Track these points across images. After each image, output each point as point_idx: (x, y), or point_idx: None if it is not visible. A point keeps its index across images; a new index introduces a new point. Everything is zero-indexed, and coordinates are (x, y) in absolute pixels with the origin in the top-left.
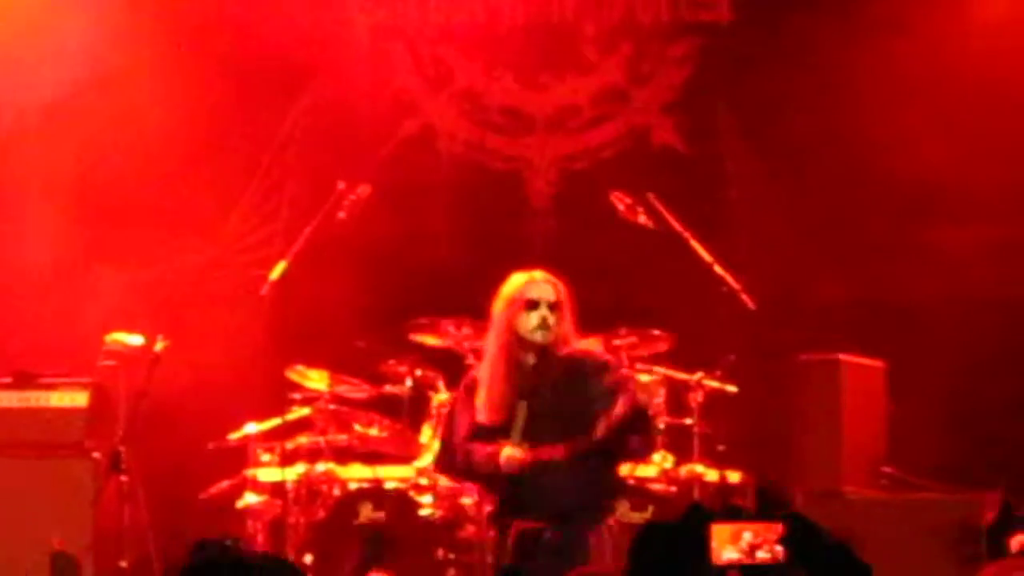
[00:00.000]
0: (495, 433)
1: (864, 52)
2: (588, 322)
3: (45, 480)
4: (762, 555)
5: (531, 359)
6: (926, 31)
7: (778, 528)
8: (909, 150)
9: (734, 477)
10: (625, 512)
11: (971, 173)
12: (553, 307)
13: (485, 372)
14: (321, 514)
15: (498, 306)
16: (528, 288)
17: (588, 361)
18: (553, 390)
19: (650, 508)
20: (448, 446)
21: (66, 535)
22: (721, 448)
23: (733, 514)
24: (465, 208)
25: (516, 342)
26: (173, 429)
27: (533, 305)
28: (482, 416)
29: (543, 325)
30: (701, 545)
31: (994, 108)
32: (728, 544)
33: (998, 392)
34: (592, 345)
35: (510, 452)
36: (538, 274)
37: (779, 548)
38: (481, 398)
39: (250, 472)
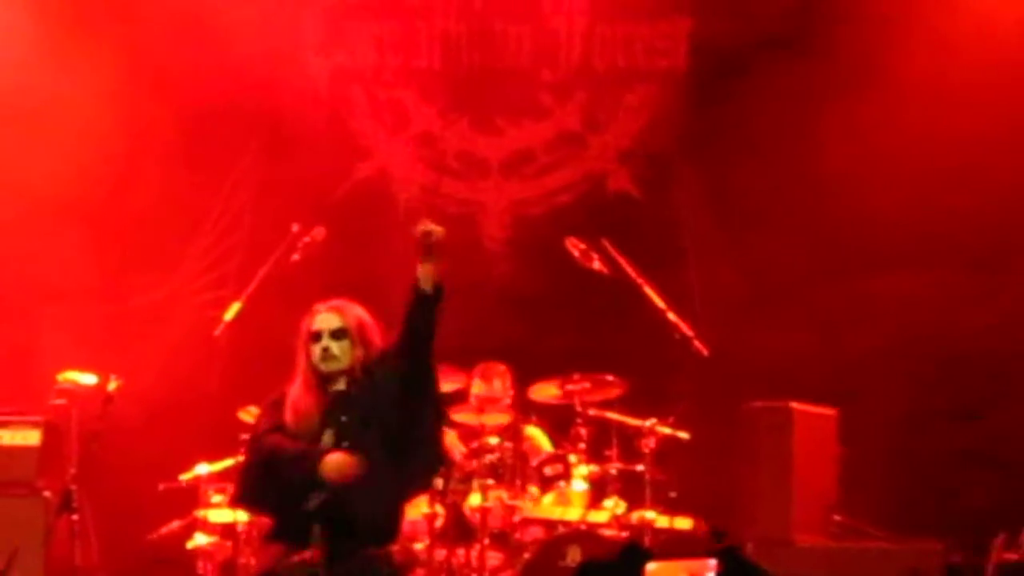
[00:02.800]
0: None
1: (820, 104)
2: (541, 367)
3: None
4: None
5: (339, 385)
6: (883, 87)
7: (713, 566)
8: (861, 199)
9: (684, 524)
10: (576, 557)
11: (920, 223)
12: (336, 334)
13: (291, 398)
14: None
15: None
16: (311, 319)
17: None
18: (356, 416)
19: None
20: (251, 471)
21: (17, 573)
22: (673, 495)
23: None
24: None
25: (314, 372)
26: (124, 469)
27: (316, 337)
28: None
29: (326, 355)
30: None
31: (944, 160)
32: None
33: (946, 439)
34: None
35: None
36: (322, 305)
37: None
38: (289, 420)
39: (201, 513)
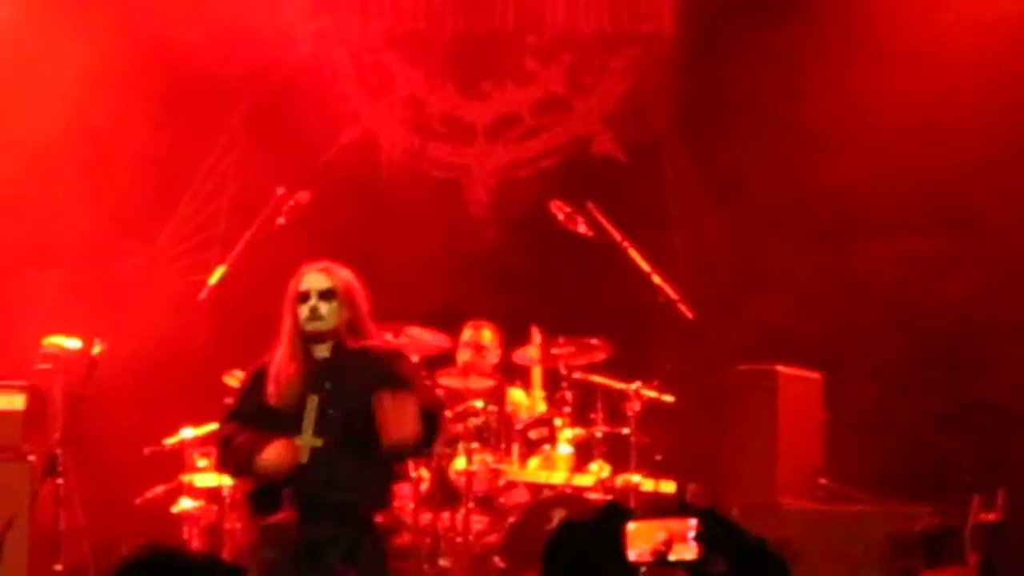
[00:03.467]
0: (285, 426)
1: (805, 65)
2: (525, 330)
3: None
4: (678, 552)
5: (324, 352)
6: (869, 51)
7: (693, 525)
8: (846, 164)
9: (669, 487)
10: (560, 520)
11: (907, 189)
12: (325, 295)
13: (274, 367)
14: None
15: (286, 301)
16: (299, 280)
17: (373, 351)
18: (341, 383)
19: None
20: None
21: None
22: (658, 458)
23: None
24: (404, 215)
25: (300, 335)
26: (110, 433)
27: (304, 297)
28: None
29: (314, 315)
30: (618, 543)
31: (931, 126)
32: (644, 542)
33: (930, 403)
34: (383, 340)
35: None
36: (310, 266)
37: (695, 545)
38: (271, 390)
39: (186, 477)
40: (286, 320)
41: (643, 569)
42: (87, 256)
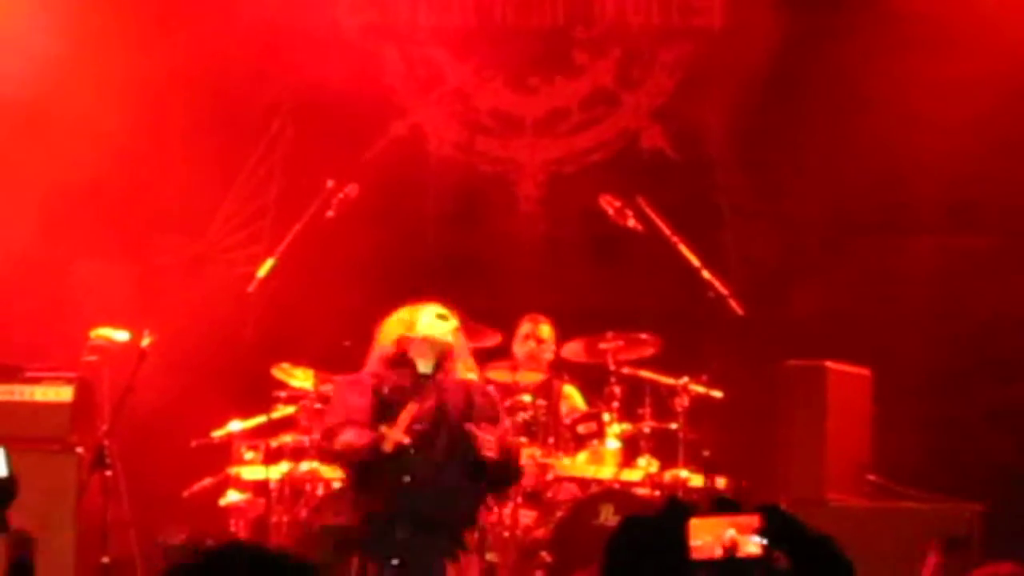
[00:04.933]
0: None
1: (856, 63)
2: (576, 326)
3: (29, 474)
4: (743, 549)
5: (427, 368)
6: (928, 44)
7: (756, 521)
8: (899, 160)
9: (719, 483)
10: (609, 516)
11: (959, 184)
12: (441, 316)
13: (374, 367)
14: (304, 513)
15: (388, 326)
16: (414, 304)
17: (472, 383)
18: (441, 401)
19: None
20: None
21: (49, 529)
22: (706, 453)
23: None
24: (453, 209)
25: (402, 355)
26: (157, 425)
27: (426, 316)
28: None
29: (431, 328)
30: (680, 540)
31: (987, 123)
32: (708, 539)
33: (980, 400)
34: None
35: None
36: (431, 305)
37: (758, 541)
38: (373, 398)
39: (233, 470)
40: (393, 336)
41: (699, 569)
42: (136, 248)
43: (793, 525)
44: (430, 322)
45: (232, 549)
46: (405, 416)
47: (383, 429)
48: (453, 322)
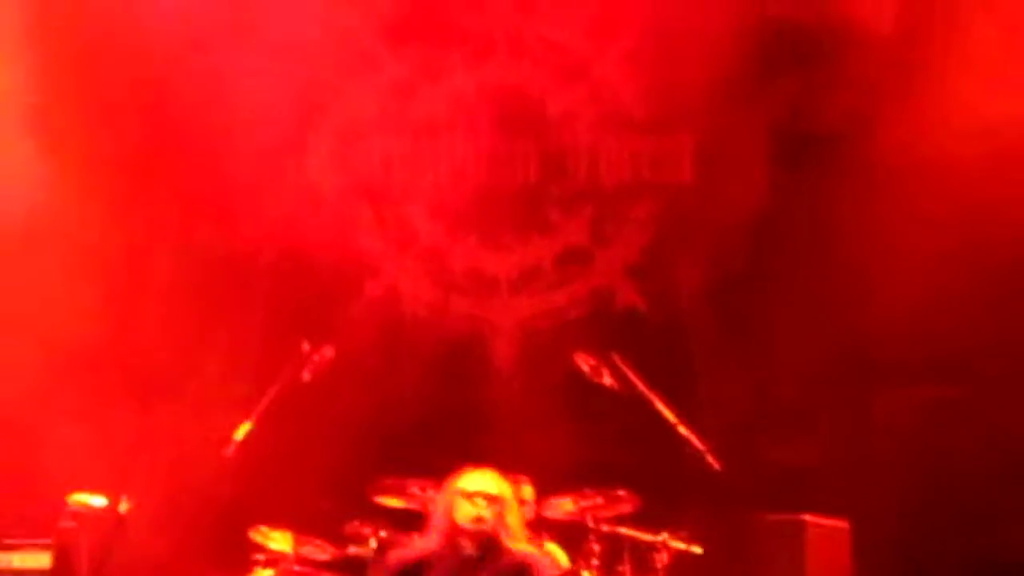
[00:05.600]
0: None
1: (828, 216)
2: (553, 483)
3: None
4: None
5: (472, 549)
6: (895, 200)
7: None
8: (868, 315)
9: None
10: None
11: (931, 339)
12: (492, 500)
13: (421, 560)
14: None
15: (441, 495)
16: (466, 478)
17: (526, 561)
18: None
19: None
20: None
21: None
22: None
23: None
24: (429, 369)
25: (457, 530)
26: None
27: (470, 496)
28: None
29: (478, 517)
30: None
31: (952, 274)
32: None
33: (959, 554)
34: (543, 553)
35: None
36: (484, 470)
37: None
38: None
39: None
40: (443, 514)
41: None
42: (113, 413)
43: None
44: (480, 478)
45: None
46: None
47: None
48: (503, 494)
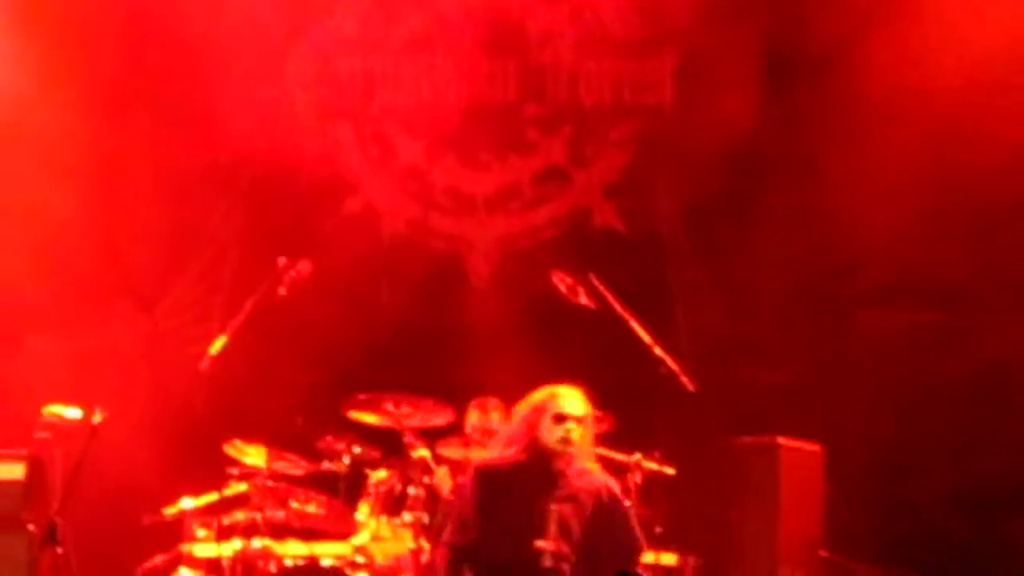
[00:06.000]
0: (519, 536)
1: (808, 141)
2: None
3: None
4: None
5: (557, 465)
6: (875, 112)
7: None
8: (847, 239)
9: (670, 559)
10: None
11: (907, 263)
12: (580, 421)
13: (509, 472)
14: None
15: (524, 410)
16: (556, 400)
17: (599, 476)
18: (575, 497)
19: None
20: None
21: None
22: (658, 530)
23: None
24: (406, 286)
25: (544, 449)
26: (109, 502)
27: (561, 419)
28: (505, 517)
29: (567, 440)
30: None
31: (933, 201)
32: None
33: (933, 478)
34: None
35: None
36: (571, 389)
37: None
38: (505, 498)
39: (185, 547)
40: (527, 429)
41: None
42: (88, 326)
43: None
44: (572, 402)
45: None
46: (552, 525)
47: (540, 544)
48: (587, 415)
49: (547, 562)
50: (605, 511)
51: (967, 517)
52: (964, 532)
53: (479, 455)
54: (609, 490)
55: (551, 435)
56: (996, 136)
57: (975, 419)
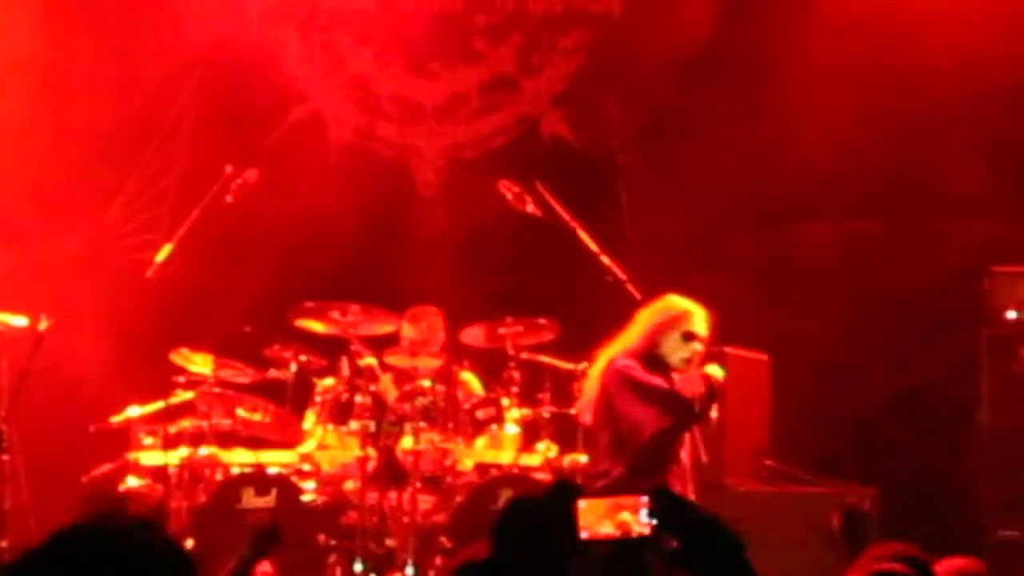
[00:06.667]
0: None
1: (756, 50)
2: (474, 311)
3: None
4: (633, 529)
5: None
6: (824, 27)
7: (645, 502)
8: (796, 146)
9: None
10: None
11: (854, 174)
12: (703, 343)
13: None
14: (203, 498)
15: (653, 317)
16: (692, 319)
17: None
18: None
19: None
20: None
21: None
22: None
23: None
24: (353, 195)
25: (656, 359)
26: (56, 410)
27: (691, 337)
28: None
29: (690, 361)
30: (568, 521)
31: (881, 105)
32: (596, 519)
33: (876, 388)
34: None
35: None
36: (703, 311)
37: (648, 521)
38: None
39: (132, 455)
40: (650, 335)
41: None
42: (34, 234)
43: (680, 506)
44: (705, 324)
45: (76, 530)
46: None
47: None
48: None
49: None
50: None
51: (907, 426)
52: (905, 440)
53: (426, 363)
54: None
55: (676, 351)
56: (944, 55)
57: (917, 330)
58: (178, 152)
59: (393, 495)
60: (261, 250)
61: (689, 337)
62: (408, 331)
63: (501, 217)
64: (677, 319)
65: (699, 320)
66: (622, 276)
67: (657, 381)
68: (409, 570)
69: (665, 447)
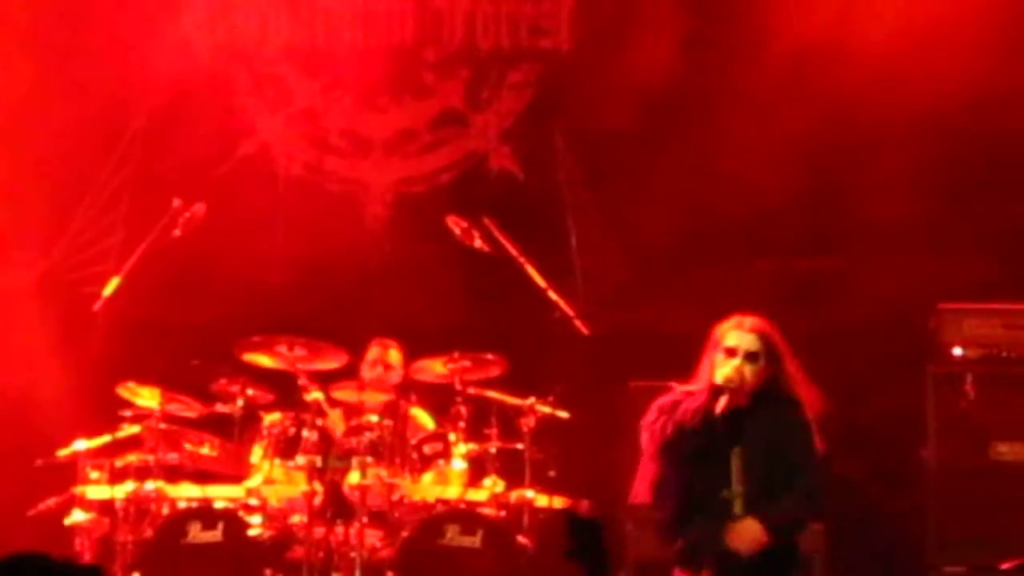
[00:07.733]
0: (709, 481)
1: (703, 83)
2: (421, 345)
3: None
4: None
5: (740, 400)
6: (774, 57)
7: None
8: (742, 182)
9: (561, 503)
10: (455, 536)
11: (806, 210)
12: (750, 357)
13: (690, 410)
14: (149, 532)
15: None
16: (727, 333)
17: (793, 418)
18: (759, 435)
19: (479, 532)
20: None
21: None
22: (552, 474)
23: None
24: (301, 229)
25: (716, 385)
26: (1, 443)
27: (731, 353)
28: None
29: (733, 377)
30: None
31: (828, 144)
32: None
33: (823, 422)
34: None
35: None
36: (745, 322)
37: None
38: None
39: (79, 489)
40: (705, 364)
41: None
42: None
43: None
44: (742, 335)
45: (17, 560)
46: (736, 471)
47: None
48: (768, 330)
49: (739, 509)
50: (790, 442)
51: (854, 461)
52: (852, 476)
53: (373, 398)
54: (798, 418)
55: (718, 370)
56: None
57: (861, 364)
58: (126, 185)
59: (340, 530)
60: (209, 284)
61: (730, 353)
62: (374, 354)
63: (449, 252)
64: (716, 339)
65: (732, 333)
66: (569, 312)
67: None
68: None
69: None
